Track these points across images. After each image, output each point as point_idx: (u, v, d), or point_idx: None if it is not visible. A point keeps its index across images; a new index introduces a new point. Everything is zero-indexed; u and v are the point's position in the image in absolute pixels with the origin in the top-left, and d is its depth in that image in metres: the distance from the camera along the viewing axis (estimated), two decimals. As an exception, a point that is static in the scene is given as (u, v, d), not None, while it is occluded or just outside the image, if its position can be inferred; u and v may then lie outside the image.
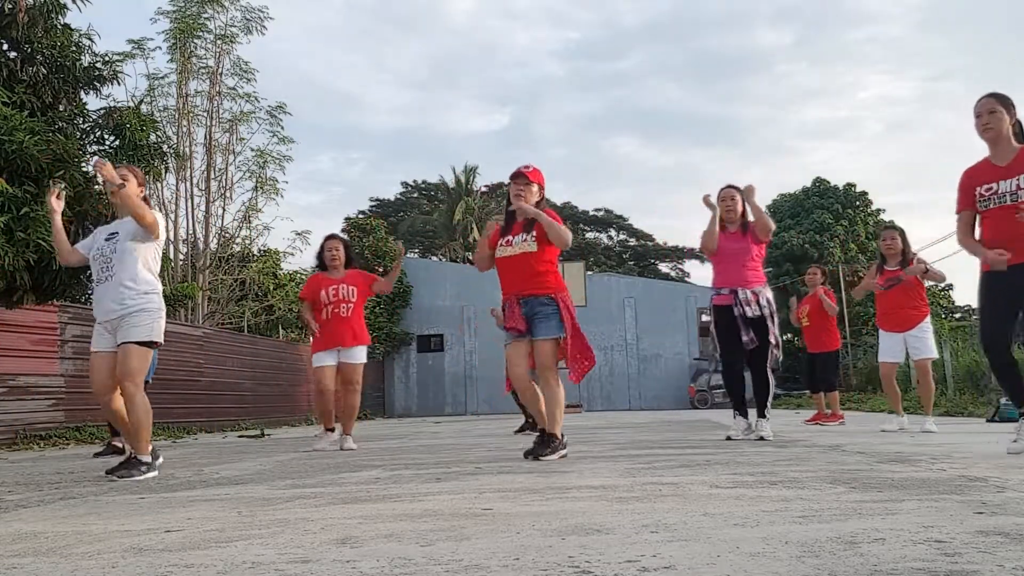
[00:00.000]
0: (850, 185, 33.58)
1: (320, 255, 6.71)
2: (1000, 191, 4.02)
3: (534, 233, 4.58)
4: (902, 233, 7.02)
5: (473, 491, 3.03)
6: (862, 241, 31.72)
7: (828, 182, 33.77)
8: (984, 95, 4.15)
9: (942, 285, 31.94)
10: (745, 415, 5.84)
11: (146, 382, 4.68)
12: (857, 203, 33.27)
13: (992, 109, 4.06)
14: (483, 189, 42.91)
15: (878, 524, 1.99)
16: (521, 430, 8.35)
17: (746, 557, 1.65)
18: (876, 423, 7.17)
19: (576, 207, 48.81)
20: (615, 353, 27.01)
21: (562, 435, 4.58)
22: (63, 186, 4.65)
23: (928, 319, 6.82)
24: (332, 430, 6.73)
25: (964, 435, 5.90)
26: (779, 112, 73.39)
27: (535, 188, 4.70)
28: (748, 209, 5.85)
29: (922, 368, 6.79)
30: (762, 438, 5.61)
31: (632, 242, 50.00)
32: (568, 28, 74.98)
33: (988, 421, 7.87)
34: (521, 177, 4.68)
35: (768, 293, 5.75)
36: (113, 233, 4.43)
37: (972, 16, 70.68)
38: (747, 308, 5.60)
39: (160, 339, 4.39)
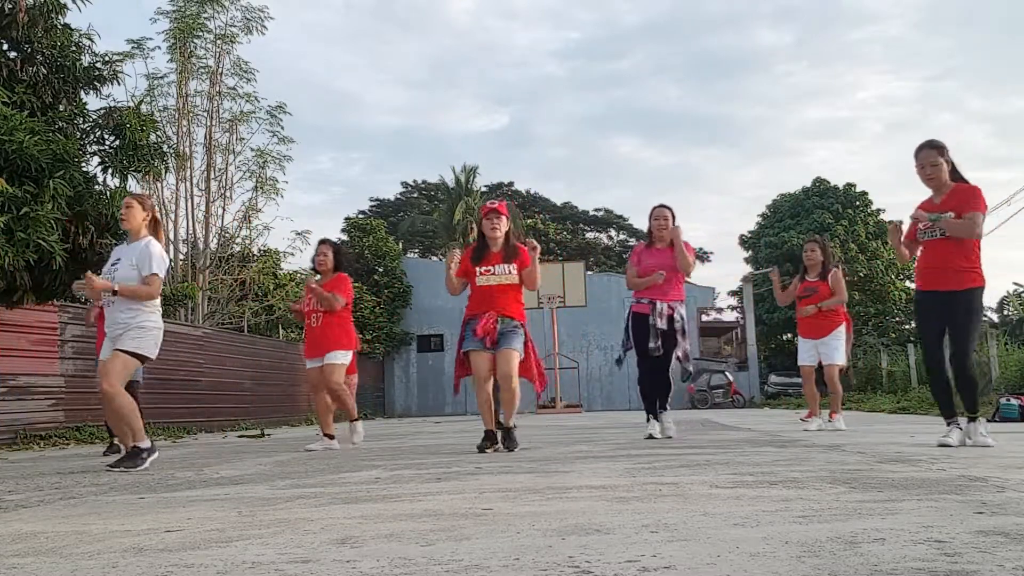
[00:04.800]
0: (850, 185, 33.54)
1: (312, 259, 6.85)
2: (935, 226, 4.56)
3: (515, 266, 5.32)
4: (823, 244, 7.19)
5: (473, 491, 3.03)
6: (862, 241, 31.68)
7: (828, 182, 33.72)
8: (923, 145, 4.60)
9: None
10: (658, 418, 6.29)
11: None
12: (857, 203, 33.22)
13: (934, 162, 4.54)
14: (483, 189, 42.89)
15: (878, 524, 1.99)
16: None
17: (746, 557, 1.65)
18: (871, 423, 7.21)
19: (576, 207, 48.80)
20: (615, 353, 26.96)
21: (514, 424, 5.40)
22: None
23: (841, 328, 7.04)
24: (332, 436, 6.64)
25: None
26: (779, 112, 73.28)
27: (504, 220, 5.43)
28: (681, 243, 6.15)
29: (830, 373, 7.04)
30: (669, 436, 6.15)
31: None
32: (568, 28, 74.94)
33: (988, 421, 7.87)
34: (493, 213, 5.39)
35: (682, 310, 6.23)
36: None
37: (972, 16, 70.64)
38: (659, 320, 6.05)
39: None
